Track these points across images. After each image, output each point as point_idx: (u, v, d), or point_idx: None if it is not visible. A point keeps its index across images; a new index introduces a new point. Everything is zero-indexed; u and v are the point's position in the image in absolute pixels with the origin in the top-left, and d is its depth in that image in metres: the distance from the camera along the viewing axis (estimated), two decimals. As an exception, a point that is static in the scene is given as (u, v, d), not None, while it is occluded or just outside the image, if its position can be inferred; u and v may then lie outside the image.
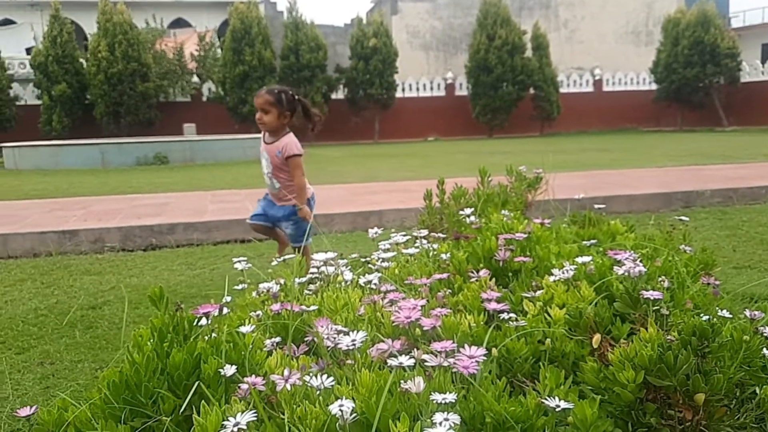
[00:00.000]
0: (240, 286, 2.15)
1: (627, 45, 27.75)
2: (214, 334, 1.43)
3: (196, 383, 1.17)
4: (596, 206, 2.38)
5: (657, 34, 25.04)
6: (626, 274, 1.42)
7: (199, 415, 1.10)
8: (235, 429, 0.90)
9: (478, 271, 1.67)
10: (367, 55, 22.19)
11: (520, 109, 22.72)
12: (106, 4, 20.60)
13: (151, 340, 1.25)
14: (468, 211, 2.24)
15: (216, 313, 1.35)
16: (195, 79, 23.06)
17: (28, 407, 1.25)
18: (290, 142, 3.09)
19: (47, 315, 2.77)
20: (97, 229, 4.60)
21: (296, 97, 3.15)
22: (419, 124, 23.63)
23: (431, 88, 24.41)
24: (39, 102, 21.46)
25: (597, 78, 25.10)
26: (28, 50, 25.46)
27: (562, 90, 24.03)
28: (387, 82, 22.49)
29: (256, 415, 0.96)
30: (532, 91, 22.98)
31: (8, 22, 27.83)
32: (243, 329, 1.42)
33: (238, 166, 12.61)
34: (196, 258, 4.02)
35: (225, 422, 0.93)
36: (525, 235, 1.75)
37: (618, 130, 23.50)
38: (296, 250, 3.06)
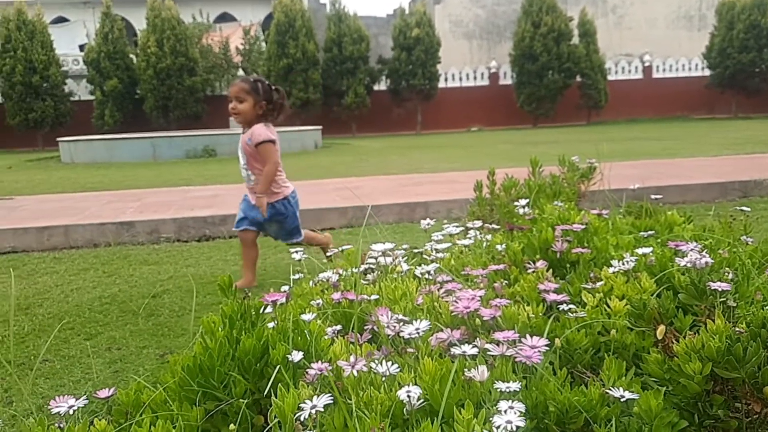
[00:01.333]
0: (296, 276, 2.21)
1: (679, 30, 26.84)
2: (273, 323, 1.48)
3: (276, 369, 1.21)
4: (653, 197, 2.34)
5: (711, 18, 24.15)
6: (689, 265, 1.41)
7: (269, 399, 1.15)
8: (313, 411, 0.94)
9: (534, 263, 1.67)
10: (409, 46, 22.12)
11: (566, 97, 22.29)
12: (154, 1, 21.10)
13: (222, 327, 1.30)
14: (523, 202, 2.23)
15: (283, 301, 1.40)
16: (240, 72, 23.42)
17: (107, 389, 1.32)
18: (259, 128, 2.96)
19: (111, 303, 2.89)
20: (153, 220, 4.75)
21: (273, 87, 3.02)
22: (462, 115, 23.46)
23: (474, 78, 24.18)
24: (92, 97, 22.18)
25: (647, 64, 24.40)
26: (81, 47, 26.32)
27: (610, 77, 23.47)
28: (429, 73, 22.38)
29: (332, 398, 1.00)
30: (578, 79, 22.51)
31: (62, 20, 28.76)
32: (305, 317, 1.47)
33: (284, 158, 12.73)
34: (248, 248, 4.11)
35: (302, 404, 0.97)
36: (583, 227, 1.74)
37: (669, 117, 22.82)
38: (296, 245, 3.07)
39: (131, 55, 21.98)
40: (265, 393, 1.20)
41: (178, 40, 20.85)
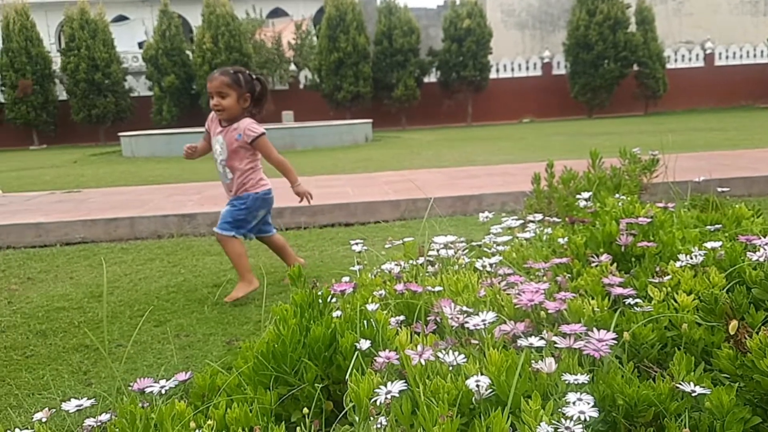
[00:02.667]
0: (356, 267, 2.25)
1: (743, 15, 25.67)
2: (338, 312, 1.52)
3: (354, 356, 1.26)
4: (720, 189, 2.27)
5: (778, 2, 23.00)
6: (762, 260, 1.37)
7: (338, 385, 1.19)
8: (388, 397, 0.97)
9: (597, 256, 1.66)
10: (460, 37, 21.94)
11: (622, 87, 21.70)
12: (210, -2, 21.59)
13: (294, 315, 1.35)
14: (585, 195, 2.21)
15: (350, 291, 1.44)
16: (292, 67, 23.75)
17: (182, 373, 1.39)
18: (249, 123, 2.79)
19: (177, 292, 3.01)
20: (213, 212, 4.89)
21: (254, 76, 2.83)
22: (514, 106, 23.13)
23: (526, 68, 23.79)
24: (150, 93, 22.92)
25: (708, 52, 23.45)
26: (140, 44, 27.22)
27: (669, 66, 22.68)
28: (480, 64, 22.16)
29: (406, 385, 1.03)
30: (635, 67, 21.86)
31: (122, 18, 29.77)
32: (369, 307, 1.51)
33: (335, 151, 12.92)
34: (305, 240, 4.20)
35: (377, 390, 1.00)
36: (648, 220, 1.71)
37: (732, 107, 21.90)
38: (220, 243, 2.83)
39: (188, 52, 22.58)
40: (339, 379, 1.24)
41: (233, 35, 21.30)
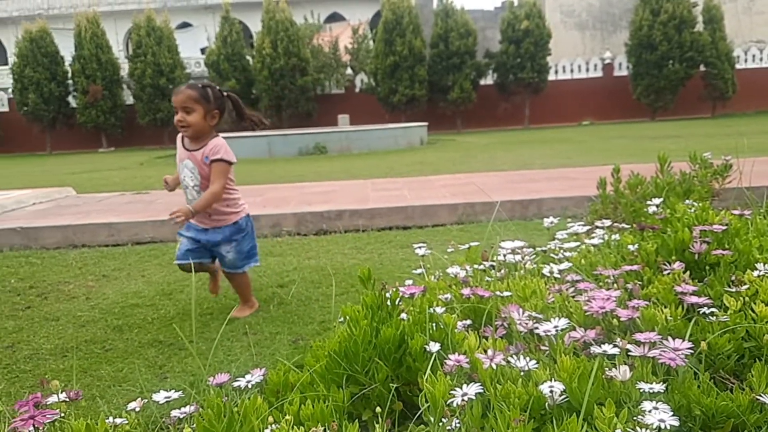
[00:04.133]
0: (418, 270, 2.28)
1: (820, 11, 24.36)
2: (403, 315, 1.55)
3: (432, 357, 1.28)
4: (799, 196, 2.18)
5: None
6: None
7: (407, 386, 1.21)
8: (464, 398, 0.99)
9: (669, 264, 1.63)
10: (518, 39, 21.69)
11: (687, 88, 20.95)
12: (269, 3, 22.10)
13: (366, 317, 1.39)
14: (656, 201, 2.16)
15: (419, 294, 1.46)
16: (348, 71, 24.03)
17: (257, 369, 1.44)
18: (220, 144, 2.55)
19: (243, 291, 3.10)
20: (275, 214, 5.01)
21: (224, 93, 2.60)
22: (573, 108, 22.68)
23: (587, 69, 23.28)
24: (212, 98, 23.59)
25: (781, 50, 22.36)
26: (203, 50, 28.12)
27: (739, 66, 21.75)
28: (539, 65, 21.84)
29: (482, 387, 1.05)
30: (702, 68, 21.06)
31: (185, 25, 30.83)
32: (434, 310, 1.53)
33: (391, 154, 13.00)
34: (364, 243, 4.25)
35: (453, 391, 1.03)
36: (724, 227, 1.67)
37: (807, 108, 20.80)
38: (230, 277, 2.70)
39: (248, 57, 23.17)
40: (408, 380, 1.27)
41: (291, 41, 21.72)
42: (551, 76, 22.58)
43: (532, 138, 15.63)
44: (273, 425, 1.14)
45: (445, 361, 1.24)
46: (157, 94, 22.80)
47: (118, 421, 1.09)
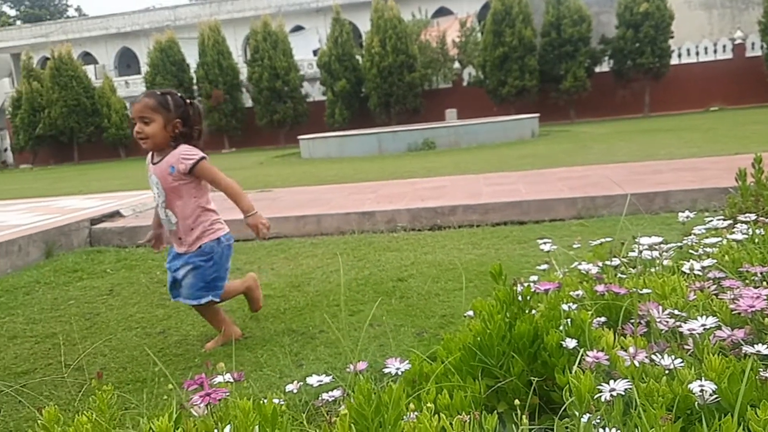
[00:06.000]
0: (542, 266, 2.26)
1: None
2: (533, 310, 1.55)
3: (579, 354, 1.29)
4: None
5: None
6: None
7: (542, 381, 1.23)
8: (613, 394, 1.00)
9: (827, 261, 1.51)
10: (637, 22, 20.54)
11: (834, 66, 18.87)
12: (378, 2, 22.45)
13: (500, 313, 1.41)
14: (808, 193, 2.00)
15: (554, 290, 1.47)
16: (456, 65, 23.90)
17: (395, 359, 1.51)
18: (182, 151, 2.33)
19: (365, 284, 3.22)
20: (390, 210, 5.13)
21: (187, 100, 2.40)
22: (699, 93, 21.15)
23: (714, 51, 21.60)
24: (324, 98, 24.41)
25: None
26: (315, 52, 29.10)
27: None
28: (660, 49, 20.56)
29: (630, 383, 1.05)
30: None
31: (298, 28, 32.04)
32: (565, 307, 1.52)
33: (501, 148, 12.80)
34: (479, 238, 4.25)
35: (600, 386, 1.03)
36: None
37: None
38: (196, 309, 2.41)
39: (357, 57, 23.70)
40: (543, 374, 1.28)
41: (399, 38, 21.95)
42: (674, 60, 21.16)
43: (654, 126, 14.77)
44: (414, 413, 1.20)
45: (584, 357, 1.24)
46: (273, 96, 23.90)
47: (275, 401, 1.19)
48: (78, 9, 56.91)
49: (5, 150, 30.63)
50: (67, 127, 25.32)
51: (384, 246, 4.22)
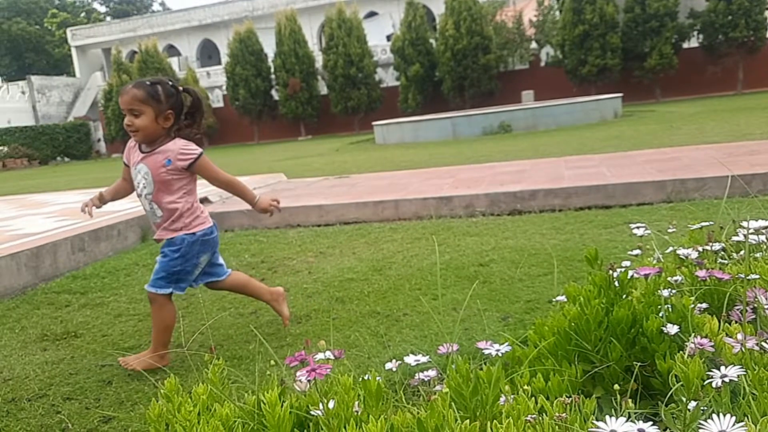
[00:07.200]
0: (634, 252, 2.19)
1: None
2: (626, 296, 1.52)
3: (663, 340, 1.27)
4: None
5: None
6: None
7: (641, 367, 1.20)
8: (725, 380, 0.97)
9: None
10: (729, -6, 19.30)
11: None
12: (452, -15, 22.18)
13: (597, 298, 1.39)
14: None
15: (653, 274, 1.43)
16: (533, 45, 23.29)
17: (486, 342, 1.52)
18: (182, 145, 2.24)
19: (446, 269, 3.23)
20: (468, 195, 5.10)
21: (181, 87, 2.27)
22: (800, 67, 19.67)
23: (817, 21, 19.98)
24: (397, 83, 24.44)
25: None
26: (388, 37, 29.12)
27: None
28: (755, 22, 19.26)
29: (743, 369, 1.02)
30: None
31: (372, 14, 32.12)
32: (664, 293, 1.48)
33: (580, 130, 12.42)
34: (562, 223, 4.16)
35: (709, 372, 1.01)
36: None
37: None
38: (151, 305, 2.29)
39: (431, 40, 23.54)
40: (642, 360, 1.26)
41: (474, 20, 21.63)
42: (771, 33, 19.79)
43: (749, 104, 13.87)
44: (510, 396, 1.21)
45: (687, 343, 1.21)
46: (348, 83, 24.17)
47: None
48: (162, 3, 59.55)
49: (98, 140, 32.64)
50: (154, 117, 26.58)
51: (463, 231, 4.21)
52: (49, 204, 6.92)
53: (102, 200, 2.44)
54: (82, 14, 51.77)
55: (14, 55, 48.03)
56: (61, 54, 47.41)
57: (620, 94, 15.65)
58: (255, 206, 2.43)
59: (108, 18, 50.29)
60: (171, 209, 2.26)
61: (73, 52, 38.28)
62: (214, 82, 30.55)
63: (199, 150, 2.26)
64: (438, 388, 1.25)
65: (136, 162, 2.27)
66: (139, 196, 2.31)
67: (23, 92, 33.71)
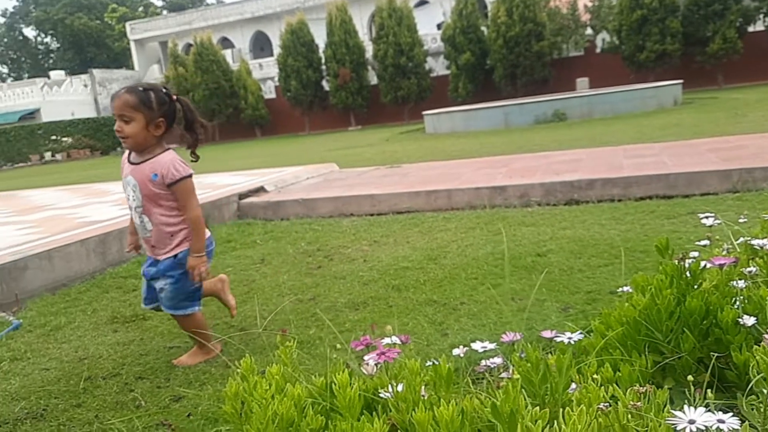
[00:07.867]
0: (702, 242, 2.13)
1: None
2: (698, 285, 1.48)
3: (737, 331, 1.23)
4: None
5: None
6: None
7: (713, 358, 1.17)
8: (812, 374, 0.95)
9: None
10: (800, -27, 18.30)
11: None
12: (504, -29, 21.79)
13: (668, 287, 1.37)
14: None
15: (728, 264, 1.39)
16: (588, 31, 22.68)
17: (548, 331, 1.51)
18: (172, 160, 2.15)
19: (502, 259, 3.21)
20: (522, 185, 5.04)
21: (173, 96, 2.18)
22: None
23: None
24: (447, 72, 24.24)
25: None
26: (439, 26, 28.87)
27: None
28: (828, 2, 18.19)
29: None
30: None
31: (423, 2, 31.88)
32: (741, 284, 1.43)
33: (638, 118, 12.05)
34: (622, 213, 4.06)
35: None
36: None
37: None
38: (176, 319, 2.29)
39: (482, 28, 23.23)
40: (715, 351, 1.23)
41: (527, 6, 21.22)
42: None
43: (820, 90, 13.15)
44: (579, 385, 1.20)
45: (764, 335, 1.17)
46: (398, 73, 24.12)
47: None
48: (216, -4, 60.66)
49: (157, 131, 33.55)
50: (209, 108, 27.22)
51: (519, 221, 4.17)
52: (111, 193, 7.20)
53: (135, 238, 2.37)
54: (140, 8, 53.35)
55: (77, 50, 50.02)
56: (121, 48, 49.04)
57: (680, 81, 15.09)
58: (189, 258, 2.21)
59: (164, 12, 51.65)
60: (162, 223, 2.19)
61: (132, 45, 39.50)
62: (266, 73, 31.00)
63: (188, 171, 2.17)
64: (504, 375, 1.25)
65: (126, 174, 2.22)
66: (130, 208, 2.25)
67: (85, 85, 35.06)
